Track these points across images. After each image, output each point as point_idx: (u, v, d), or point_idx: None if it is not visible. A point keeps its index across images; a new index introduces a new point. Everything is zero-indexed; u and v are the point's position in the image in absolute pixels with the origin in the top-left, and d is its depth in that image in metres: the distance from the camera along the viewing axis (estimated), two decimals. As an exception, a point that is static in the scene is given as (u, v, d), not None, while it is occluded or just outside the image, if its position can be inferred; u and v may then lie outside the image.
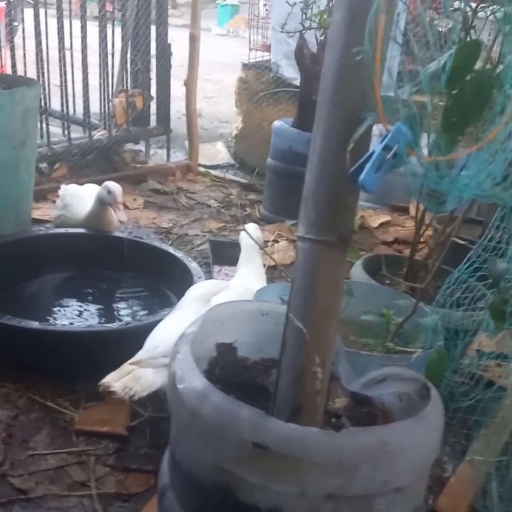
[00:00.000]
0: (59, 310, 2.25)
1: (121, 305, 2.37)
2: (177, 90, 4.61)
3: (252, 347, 1.29)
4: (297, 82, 3.83)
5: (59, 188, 2.69)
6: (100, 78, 3.84)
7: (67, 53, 3.60)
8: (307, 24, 2.94)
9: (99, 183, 2.49)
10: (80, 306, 2.29)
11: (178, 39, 4.65)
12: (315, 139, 0.96)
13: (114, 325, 1.94)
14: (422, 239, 2.22)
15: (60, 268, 2.42)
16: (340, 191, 0.96)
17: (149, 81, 4.13)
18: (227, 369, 1.22)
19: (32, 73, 3.45)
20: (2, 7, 4.14)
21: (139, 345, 1.69)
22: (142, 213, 3.37)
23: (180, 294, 2.11)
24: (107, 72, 3.82)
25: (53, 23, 3.51)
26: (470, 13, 1.59)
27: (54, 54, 3.58)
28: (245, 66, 4.68)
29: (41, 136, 3.49)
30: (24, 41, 3.50)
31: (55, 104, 3.82)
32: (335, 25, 0.92)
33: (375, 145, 0.87)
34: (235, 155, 4.88)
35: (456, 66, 0.80)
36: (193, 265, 2.27)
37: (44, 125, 3.54)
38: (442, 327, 1.51)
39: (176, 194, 3.71)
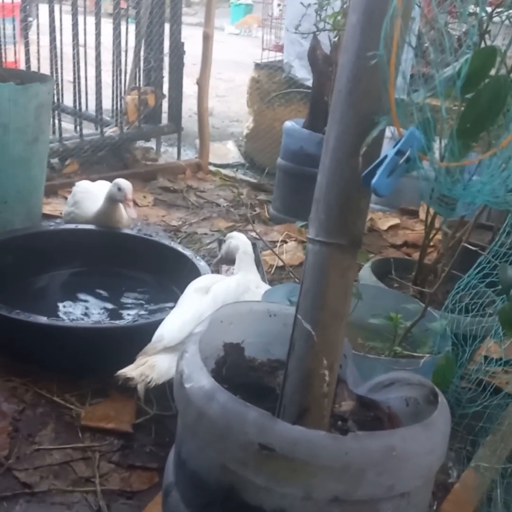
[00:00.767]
0: (67, 306, 2.26)
1: (129, 302, 2.37)
2: (189, 88, 4.62)
3: (260, 347, 1.29)
4: (309, 83, 3.82)
5: (70, 184, 2.71)
6: (113, 75, 3.85)
7: (81, 50, 3.62)
8: (321, 25, 2.93)
9: (110, 179, 2.50)
10: (88, 302, 2.29)
11: (191, 37, 4.65)
12: (328, 141, 0.96)
13: (122, 322, 1.95)
14: (431, 243, 2.21)
15: (69, 263, 2.43)
16: (352, 194, 0.95)
17: (162, 79, 4.14)
18: (234, 369, 1.22)
19: (45, 69, 3.47)
20: (17, 2, 4.16)
21: (146, 342, 1.70)
22: (151, 210, 3.38)
23: (188, 293, 2.12)
24: (120, 70, 3.84)
25: (67, 19, 3.52)
26: (485, 18, 1.58)
27: (68, 50, 3.60)
28: (258, 66, 4.68)
29: (54, 132, 3.51)
30: (38, 37, 3.52)
31: (68, 100, 3.84)
32: (351, 27, 0.92)
33: (388, 149, 0.86)
34: (245, 155, 4.88)
35: (472, 72, 0.79)
36: (201, 264, 2.27)
37: (56, 121, 3.56)
38: (450, 332, 1.51)
39: (186, 192, 3.72)
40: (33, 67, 3.39)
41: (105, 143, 3.76)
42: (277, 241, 3.05)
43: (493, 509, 1.53)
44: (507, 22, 1.61)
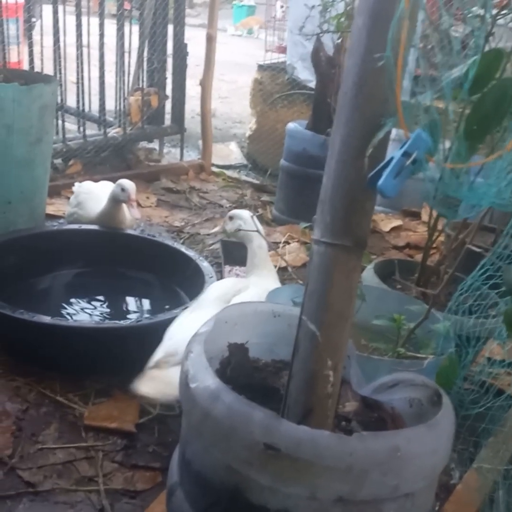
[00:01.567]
0: (70, 306, 2.27)
1: (133, 302, 2.38)
2: (192, 89, 4.63)
3: (264, 348, 1.30)
4: (312, 84, 3.83)
5: (73, 184, 2.71)
6: (116, 76, 3.86)
7: (85, 51, 3.62)
8: (324, 27, 2.94)
9: (113, 180, 2.51)
10: (92, 302, 2.30)
11: (194, 38, 4.66)
12: (334, 143, 0.97)
13: (125, 322, 1.95)
14: (434, 245, 2.21)
15: (72, 264, 2.44)
16: (358, 196, 0.96)
17: (165, 80, 4.15)
18: (239, 369, 1.22)
19: (49, 70, 3.48)
20: (21, 3, 4.17)
21: (149, 342, 1.70)
22: (154, 211, 3.38)
23: (191, 293, 2.13)
24: (124, 71, 3.84)
25: (71, 20, 3.53)
26: (490, 20, 1.58)
27: (71, 51, 3.60)
28: (261, 68, 4.69)
29: (57, 133, 3.51)
30: (41, 38, 3.53)
31: (71, 101, 3.85)
32: (357, 30, 0.92)
33: (394, 151, 0.87)
34: (248, 156, 4.89)
35: (478, 74, 0.80)
36: (204, 265, 2.27)
37: (60, 122, 3.57)
38: (453, 334, 1.51)
39: (189, 193, 3.72)
40: (37, 68, 3.40)
41: (108, 143, 3.77)
42: (280, 242, 3.05)
43: (495, 510, 1.54)
44: (511, 24, 1.61)
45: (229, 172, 4.25)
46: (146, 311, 2.31)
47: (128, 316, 2.26)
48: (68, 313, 2.22)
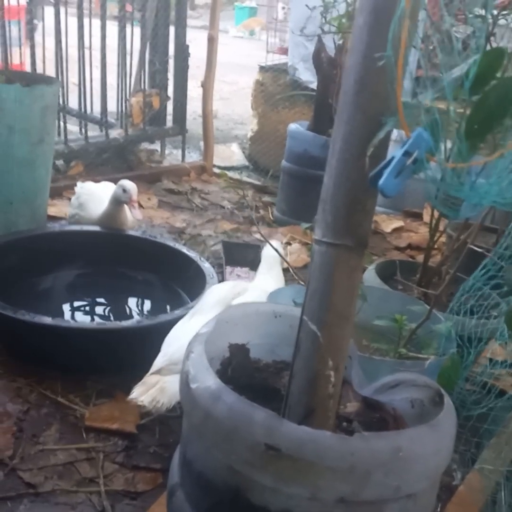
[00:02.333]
0: (71, 306, 2.27)
1: (134, 303, 2.38)
2: (193, 90, 4.63)
3: (265, 348, 1.29)
4: (313, 85, 3.83)
5: (75, 185, 2.71)
6: (118, 78, 3.87)
7: (86, 52, 3.63)
8: (326, 28, 2.94)
9: (115, 181, 2.51)
10: (93, 302, 2.30)
11: (195, 40, 4.67)
12: (335, 142, 0.96)
13: (126, 323, 1.95)
14: (435, 246, 2.21)
15: (73, 264, 2.44)
16: (359, 195, 0.95)
17: (167, 81, 4.15)
18: (239, 370, 1.22)
19: (51, 71, 3.48)
20: (23, 5, 4.17)
21: (150, 343, 1.70)
22: (156, 212, 3.38)
23: (192, 294, 2.13)
24: (125, 72, 3.85)
25: (73, 22, 3.54)
26: (491, 20, 1.58)
27: (73, 52, 3.61)
28: (262, 69, 4.69)
29: (59, 134, 3.52)
30: (44, 39, 3.54)
31: (73, 102, 3.86)
32: (358, 28, 0.92)
33: (395, 150, 0.86)
34: (249, 157, 4.89)
35: (479, 73, 0.80)
36: (206, 266, 2.27)
37: (61, 123, 3.57)
38: (455, 334, 1.51)
39: (190, 194, 3.73)
40: (39, 69, 3.40)
41: (109, 145, 3.78)
42: (281, 243, 3.04)
43: (497, 511, 1.53)
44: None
45: (230, 173, 4.25)
46: (147, 312, 2.30)
47: (129, 317, 2.26)
48: (69, 314, 2.22)
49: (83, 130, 3.75)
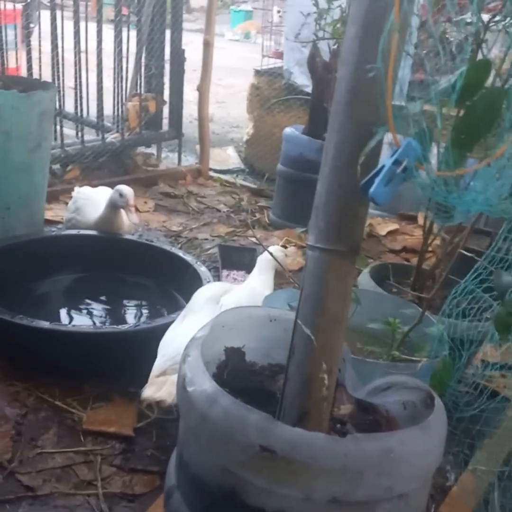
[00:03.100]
0: (69, 311, 2.28)
1: (131, 307, 2.39)
2: (189, 94, 4.65)
3: (260, 352, 1.31)
4: (308, 89, 3.86)
5: (71, 189, 2.73)
6: (114, 82, 3.88)
7: (83, 56, 3.65)
8: (320, 34, 2.96)
9: (111, 185, 2.52)
10: (90, 307, 2.31)
11: (191, 43, 4.69)
12: (327, 150, 0.98)
13: (123, 327, 1.97)
14: (429, 248, 2.23)
15: (71, 269, 2.45)
16: (351, 202, 0.98)
17: (163, 85, 4.17)
18: (235, 373, 1.24)
19: (47, 75, 3.50)
20: (19, 9, 4.19)
21: (147, 347, 1.71)
22: (152, 216, 3.40)
23: (189, 297, 2.14)
24: (121, 76, 3.86)
25: (69, 25, 3.55)
26: (481, 27, 1.60)
27: (69, 56, 3.62)
28: (258, 73, 4.72)
29: (55, 138, 3.53)
30: (40, 43, 3.55)
31: (69, 107, 3.87)
32: (349, 40, 0.94)
33: (385, 159, 0.89)
34: (245, 160, 4.91)
35: (467, 83, 0.82)
36: (202, 269, 2.29)
37: (58, 127, 3.58)
38: (447, 337, 1.53)
39: (187, 198, 3.74)
40: (35, 74, 3.42)
41: (106, 149, 3.79)
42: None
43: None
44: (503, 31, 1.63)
45: (226, 177, 4.27)
46: (144, 316, 2.32)
47: (126, 321, 2.28)
48: (66, 318, 2.23)
49: (79, 134, 3.77)
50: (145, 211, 3.43)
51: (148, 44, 4.02)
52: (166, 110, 4.24)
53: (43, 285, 2.39)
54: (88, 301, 2.34)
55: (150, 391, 1.61)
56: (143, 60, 4.04)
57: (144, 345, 1.74)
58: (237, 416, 0.98)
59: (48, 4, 3.48)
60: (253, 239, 3.09)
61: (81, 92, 3.76)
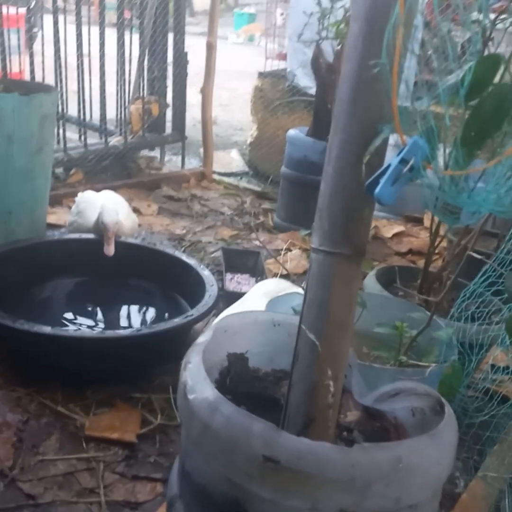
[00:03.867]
0: (71, 315, 2.26)
1: (133, 311, 2.37)
2: (192, 97, 4.63)
3: (264, 357, 1.29)
4: (312, 91, 3.83)
5: (75, 193, 2.71)
6: (117, 85, 3.87)
7: (85, 60, 3.64)
8: (323, 34, 2.94)
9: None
10: (92, 311, 2.29)
11: (194, 46, 4.67)
12: (331, 150, 0.96)
13: (126, 332, 1.95)
14: (436, 251, 2.20)
15: (73, 273, 2.43)
16: (356, 203, 0.95)
17: (166, 88, 4.16)
18: (238, 379, 1.21)
19: (50, 79, 3.49)
20: (22, 13, 4.19)
21: (150, 351, 1.69)
22: (155, 219, 3.38)
23: (192, 301, 2.12)
24: (124, 79, 3.85)
25: (72, 29, 3.55)
26: (488, 25, 1.58)
27: (72, 60, 3.62)
28: (261, 75, 4.70)
29: (58, 142, 3.52)
30: (43, 47, 3.55)
31: (72, 110, 3.86)
32: (353, 36, 0.92)
33: (391, 158, 0.86)
34: (249, 163, 4.89)
35: (475, 80, 0.79)
36: (205, 273, 2.26)
37: (61, 131, 3.57)
38: (456, 341, 1.50)
39: (190, 201, 3.72)
40: (38, 78, 3.41)
41: (109, 152, 3.78)
42: (281, 249, 3.04)
43: (501, 519, 1.52)
44: (511, 29, 1.61)
45: (230, 180, 4.25)
46: (147, 320, 2.30)
47: (129, 325, 2.26)
48: (69, 323, 2.21)
49: (82, 137, 3.76)
50: (148, 214, 3.41)
51: (150, 47, 4.01)
52: (169, 113, 4.23)
53: (45, 289, 2.37)
54: (90, 305, 2.32)
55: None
56: (145, 63, 4.04)
57: (147, 350, 1.71)
58: (240, 425, 0.95)
59: (51, 9, 3.47)
60: (257, 242, 3.07)
61: (84, 95, 3.76)
